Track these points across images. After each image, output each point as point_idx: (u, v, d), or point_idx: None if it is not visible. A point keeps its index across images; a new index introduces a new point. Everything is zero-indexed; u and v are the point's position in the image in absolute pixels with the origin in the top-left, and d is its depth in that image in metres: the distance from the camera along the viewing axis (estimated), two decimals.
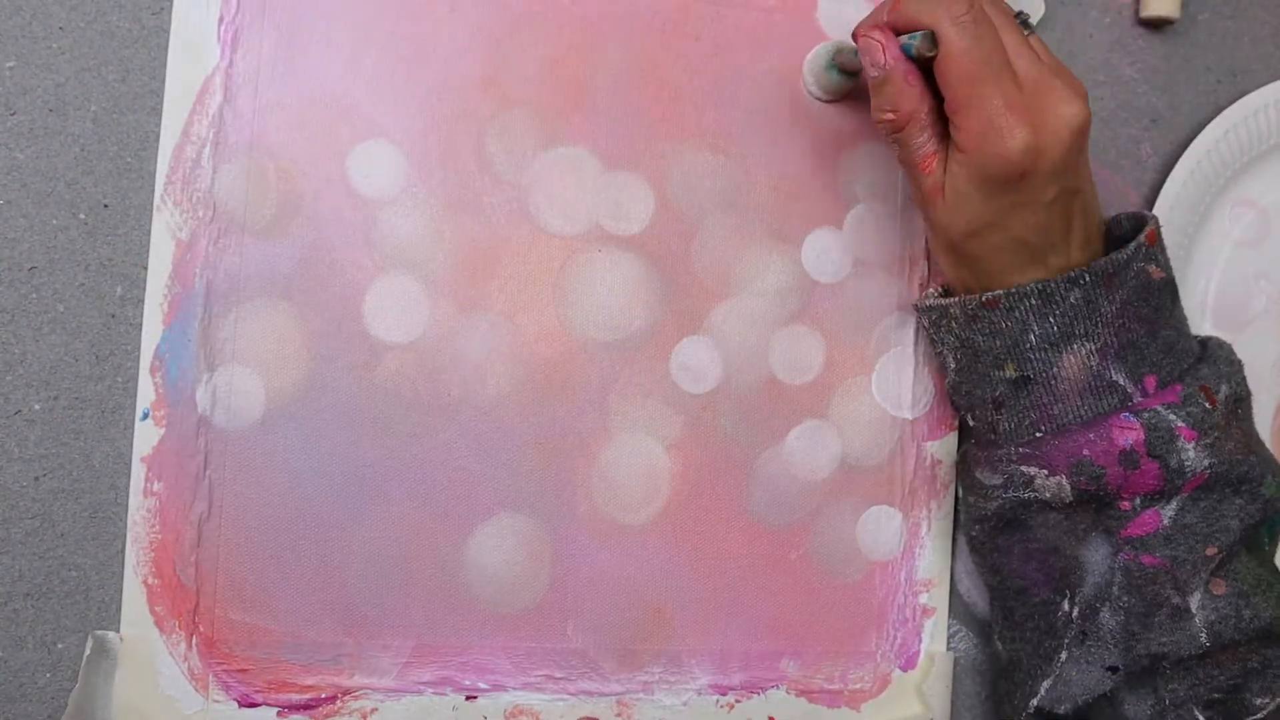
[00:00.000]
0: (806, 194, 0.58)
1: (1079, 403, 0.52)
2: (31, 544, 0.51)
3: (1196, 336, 0.55)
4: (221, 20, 0.53)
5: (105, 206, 0.52)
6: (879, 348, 0.59)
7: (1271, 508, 0.52)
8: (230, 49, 0.53)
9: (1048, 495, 0.52)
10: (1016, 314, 0.51)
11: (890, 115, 0.52)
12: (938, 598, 0.59)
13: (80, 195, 0.52)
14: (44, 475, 0.51)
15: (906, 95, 0.51)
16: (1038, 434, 0.52)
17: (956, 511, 0.60)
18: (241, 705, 0.52)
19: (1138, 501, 0.51)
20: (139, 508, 0.52)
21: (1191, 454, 0.50)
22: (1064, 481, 0.51)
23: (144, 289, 0.52)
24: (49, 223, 0.51)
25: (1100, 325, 0.51)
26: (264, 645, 0.53)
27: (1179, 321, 0.53)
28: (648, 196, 0.57)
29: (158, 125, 0.52)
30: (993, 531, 0.55)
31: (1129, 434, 0.50)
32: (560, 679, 0.56)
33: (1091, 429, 0.51)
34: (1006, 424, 0.53)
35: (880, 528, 0.59)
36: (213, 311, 0.52)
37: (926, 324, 0.56)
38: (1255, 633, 0.51)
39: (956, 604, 0.60)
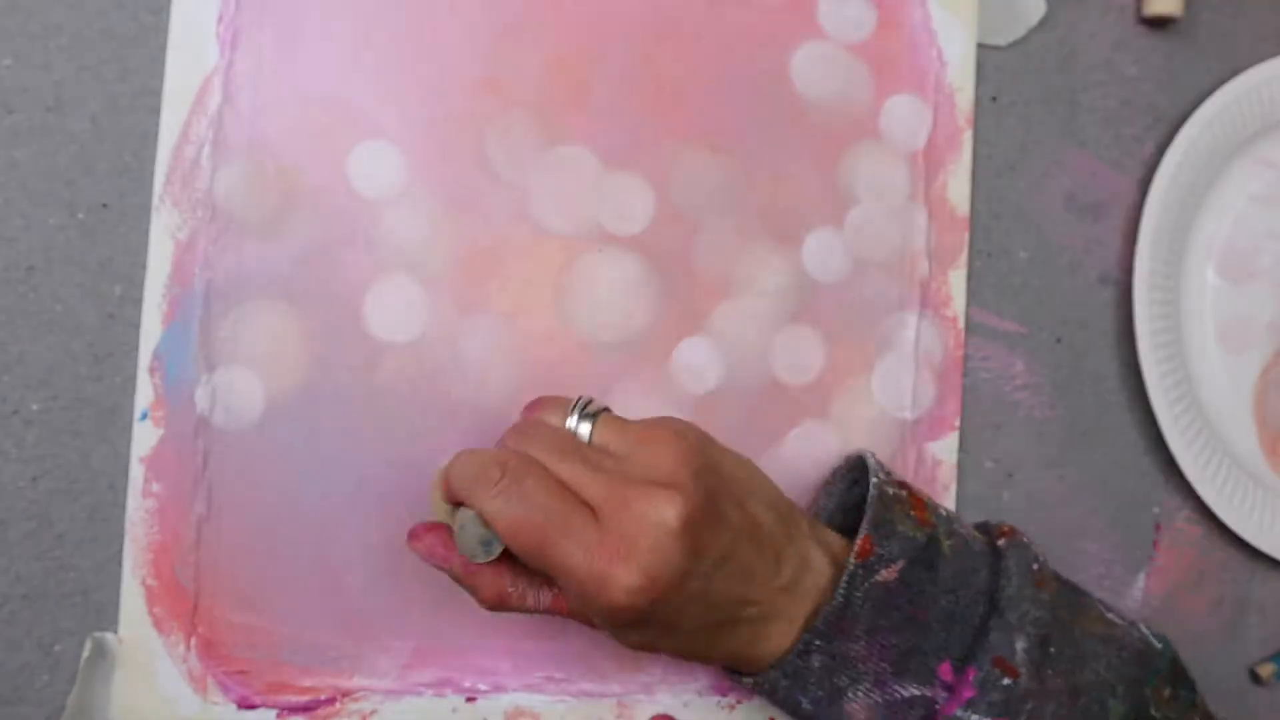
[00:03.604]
0: (807, 194, 0.58)
1: None
2: (29, 545, 0.51)
3: (998, 547, 0.51)
4: (221, 20, 0.53)
5: (104, 206, 0.52)
6: (880, 348, 0.59)
7: (1140, 674, 0.49)
8: (229, 49, 0.53)
9: None
10: (779, 695, 0.48)
11: (484, 602, 0.47)
12: None
13: (79, 195, 0.52)
14: (42, 476, 0.51)
15: (480, 587, 0.47)
16: None
17: (957, 512, 0.60)
18: (240, 707, 0.52)
19: None
20: (138, 509, 0.51)
21: None
22: None
23: (143, 289, 0.52)
24: (47, 222, 0.51)
25: (860, 666, 0.47)
26: (263, 646, 0.53)
27: (952, 578, 0.48)
28: (648, 196, 0.57)
29: (157, 125, 0.52)
30: None
31: None
32: (561, 680, 0.55)
33: None
34: None
35: None
36: (212, 312, 0.52)
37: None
38: None
39: None
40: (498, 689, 0.55)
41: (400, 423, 0.54)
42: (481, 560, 0.46)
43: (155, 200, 0.52)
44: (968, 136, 0.60)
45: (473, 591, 0.47)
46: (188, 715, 0.52)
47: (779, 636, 0.47)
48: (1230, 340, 0.65)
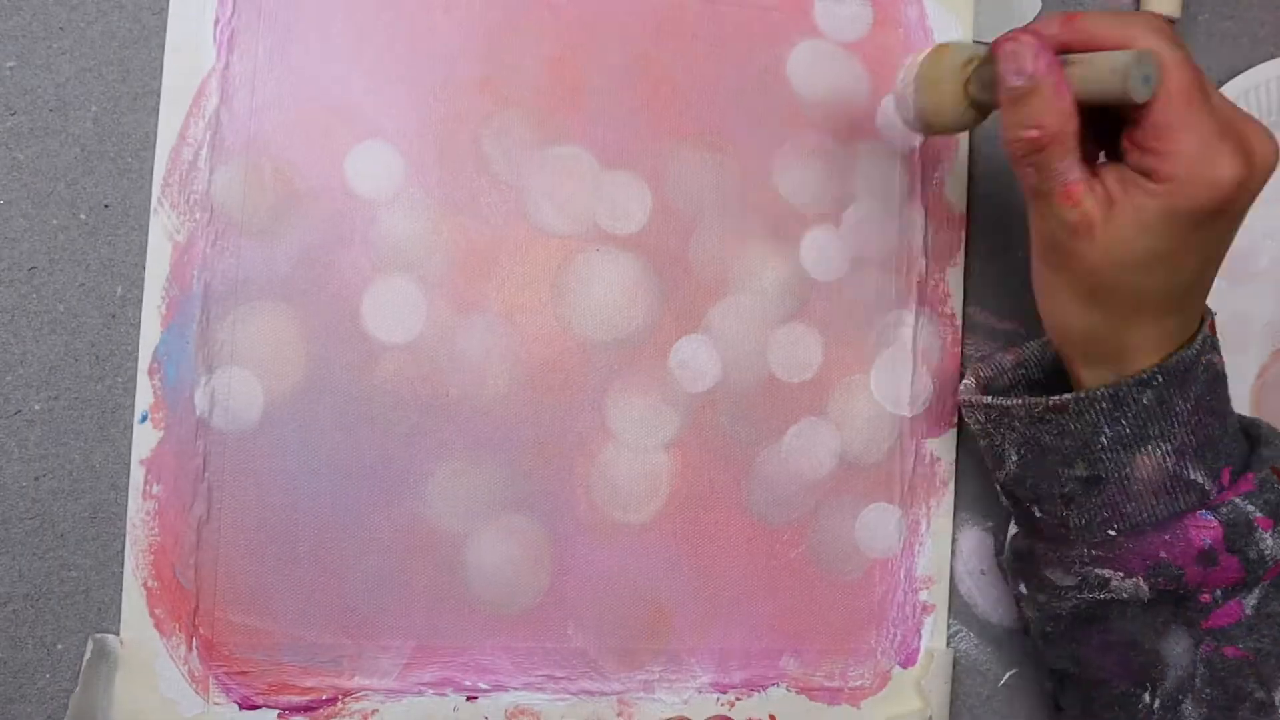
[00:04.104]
0: (804, 192, 0.58)
1: (1154, 502, 0.49)
2: (31, 544, 0.51)
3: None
4: (217, 22, 0.53)
5: (106, 206, 0.52)
6: (877, 345, 0.59)
7: None
8: (226, 50, 0.53)
9: (1125, 596, 0.50)
10: (1087, 417, 0.49)
11: (1034, 133, 0.45)
12: (937, 595, 0.59)
13: (80, 195, 0.52)
14: (44, 476, 0.51)
15: (1055, 110, 0.45)
16: (1110, 532, 0.50)
17: (956, 510, 0.60)
18: (242, 707, 0.52)
19: (1218, 594, 0.49)
20: (138, 510, 0.52)
21: (1270, 542, 0.49)
22: (1141, 583, 0.49)
23: (144, 290, 0.52)
24: (49, 223, 0.52)
25: (1176, 425, 0.48)
26: (264, 647, 0.53)
27: (1232, 407, 0.52)
28: (645, 195, 0.57)
29: (158, 125, 0.52)
30: (1069, 627, 0.53)
31: (1206, 533, 0.48)
32: (561, 679, 0.55)
33: (1167, 530, 0.49)
34: (1076, 520, 0.51)
35: (879, 525, 0.59)
36: (210, 313, 0.52)
37: (979, 419, 0.53)
38: None
39: (957, 604, 0.60)
40: (498, 688, 0.55)
41: (399, 422, 0.54)
42: (1143, 98, 0.44)
43: (153, 203, 0.52)
44: (964, 134, 0.61)
45: (1040, 115, 0.45)
46: (189, 716, 0.52)
47: (1157, 355, 0.48)
48: (1228, 340, 0.64)
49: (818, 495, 0.58)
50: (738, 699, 0.57)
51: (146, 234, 0.52)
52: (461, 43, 0.55)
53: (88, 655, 0.51)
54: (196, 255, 0.52)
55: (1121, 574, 0.50)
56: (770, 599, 0.57)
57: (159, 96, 0.52)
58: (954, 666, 0.60)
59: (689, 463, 0.57)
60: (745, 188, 0.58)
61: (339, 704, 0.53)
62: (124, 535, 0.52)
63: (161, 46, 0.53)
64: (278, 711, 0.53)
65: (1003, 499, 0.56)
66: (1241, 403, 0.64)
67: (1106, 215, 0.45)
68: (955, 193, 0.60)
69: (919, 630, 0.59)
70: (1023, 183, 0.48)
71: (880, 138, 0.59)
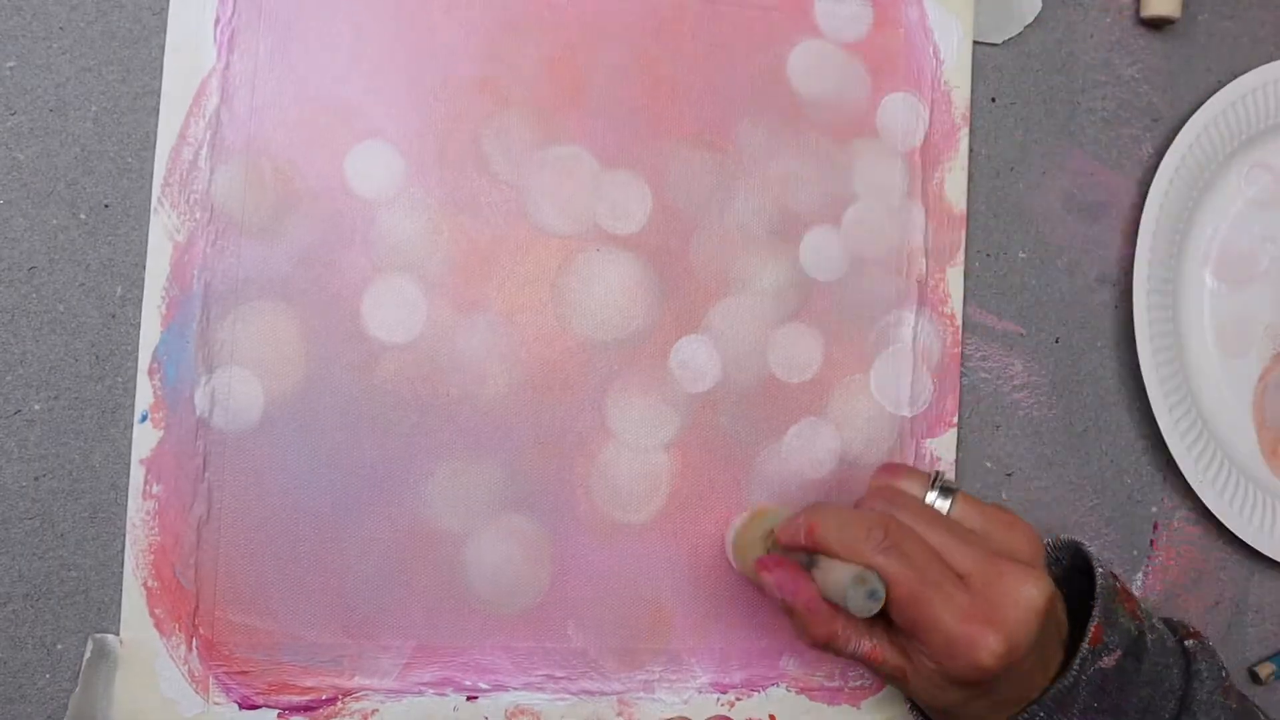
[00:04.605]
0: (804, 192, 0.59)
1: None
2: (31, 544, 0.51)
3: (1186, 648, 0.53)
4: (218, 21, 0.53)
5: (106, 206, 0.52)
6: (877, 345, 0.59)
7: None
8: (226, 50, 0.53)
9: None
10: None
11: (808, 639, 0.50)
12: None
13: (80, 195, 0.52)
14: (44, 475, 0.51)
15: (815, 624, 0.49)
16: None
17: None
18: (242, 707, 0.52)
19: None
20: (138, 510, 0.52)
21: None
22: None
23: (144, 289, 0.52)
24: (49, 223, 0.52)
25: None
26: (264, 647, 0.53)
27: (1150, 669, 0.51)
28: (645, 195, 0.57)
29: (158, 125, 0.52)
30: None
31: None
32: (561, 678, 0.55)
33: None
34: None
35: None
36: (210, 313, 0.52)
37: None
38: None
39: None
40: (498, 688, 0.55)
41: (399, 422, 0.54)
42: (870, 613, 0.47)
43: (153, 203, 0.52)
44: (964, 134, 0.61)
45: (805, 628, 0.50)
46: (189, 716, 0.52)
47: (1007, 706, 0.50)
48: (1229, 343, 0.65)
49: (818, 495, 0.58)
50: (738, 699, 0.57)
51: (146, 234, 0.52)
52: (461, 43, 0.55)
53: (88, 655, 0.51)
54: (196, 255, 0.52)
55: None
56: (770, 599, 0.57)
57: (159, 96, 0.52)
58: None
59: (689, 463, 0.57)
60: (745, 188, 0.58)
61: (339, 704, 0.53)
62: (124, 535, 0.52)
63: (161, 46, 0.53)
64: (278, 711, 0.53)
65: None
66: (1244, 407, 0.65)
67: (910, 665, 0.49)
68: (955, 193, 0.60)
69: None
70: None
71: (880, 137, 0.59)
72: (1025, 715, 0.49)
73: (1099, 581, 0.51)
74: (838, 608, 0.49)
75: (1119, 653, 0.50)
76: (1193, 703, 0.51)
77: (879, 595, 0.47)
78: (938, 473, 0.53)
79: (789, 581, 0.50)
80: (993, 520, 0.51)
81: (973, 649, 0.46)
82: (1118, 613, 0.51)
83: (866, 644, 0.50)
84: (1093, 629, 0.49)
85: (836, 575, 0.48)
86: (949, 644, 0.46)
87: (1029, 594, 0.47)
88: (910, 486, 0.52)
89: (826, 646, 0.50)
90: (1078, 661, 0.49)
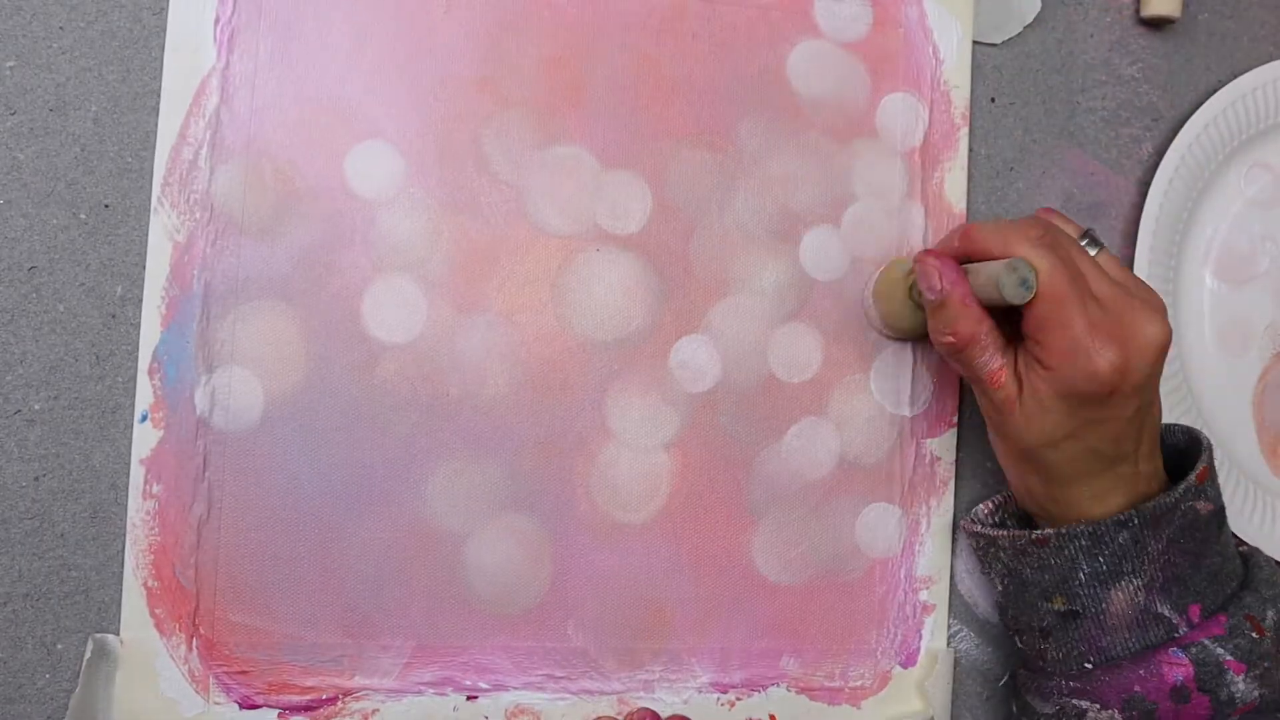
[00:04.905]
0: (804, 192, 0.59)
1: (1126, 635, 0.52)
2: (31, 544, 0.51)
3: (1241, 551, 0.56)
4: (218, 21, 0.53)
5: (106, 206, 0.52)
6: (877, 345, 0.59)
7: None
8: (226, 50, 0.53)
9: None
10: (1066, 552, 0.52)
11: (949, 338, 0.52)
12: (938, 595, 0.59)
13: (80, 195, 0.52)
14: (44, 475, 0.51)
15: (964, 317, 0.51)
16: (1087, 665, 0.52)
17: (956, 509, 0.60)
18: (242, 707, 0.52)
19: None
20: (138, 510, 0.52)
21: (1241, 686, 0.51)
22: (1117, 715, 0.51)
23: (144, 289, 0.52)
24: (49, 222, 0.52)
25: (1146, 563, 0.51)
26: (264, 647, 0.53)
27: (1224, 546, 0.53)
28: (645, 195, 0.57)
29: (158, 125, 0.52)
30: None
31: (1179, 670, 0.51)
32: (561, 678, 0.55)
33: (1141, 664, 0.51)
34: (1054, 653, 0.54)
35: (880, 525, 0.59)
36: (211, 313, 0.52)
37: (973, 547, 0.57)
38: None
39: (957, 604, 0.60)
40: (498, 687, 0.55)
41: (399, 422, 0.54)
42: (1021, 300, 0.49)
43: (153, 202, 0.52)
44: (964, 134, 0.61)
45: (954, 321, 0.52)
46: (190, 716, 0.52)
47: (1102, 505, 0.52)
48: (1229, 343, 0.64)
49: (818, 495, 0.58)
50: (738, 699, 0.57)
51: (146, 234, 0.52)
52: (462, 42, 0.55)
53: (88, 655, 0.51)
54: (196, 255, 0.52)
55: (1098, 705, 0.52)
56: (770, 599, 0.57)
57: (159, 96, 0.52)
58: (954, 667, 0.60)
59: (689, 463, 0.57)
60: (745, 187, 0.58)
61: (339, 703, 0.53)
62: (124, 535, 0.52)
63: (161, 46, 0.53)
64: (278, 711, 0.53)
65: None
66: (1244, 407, 0.64)
67: (1020, 394, 0.51)
68: (954, 192, 0.60)
69: (919, 630, 0.59)
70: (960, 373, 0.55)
71: (880, 137, 0.59)
72: (1123, 517, 0.51)
73: (1205, 441, 0.54)
74: (986, 311, 0.51)
75: (1212, 506, 0.52)
76: (1256, 578, 0.54)
77: (1030, 284, 0.49)
78: (1088, 229, 0.54)
79: (950, 270, 0.52)
80: (1130, 277, 0.53)
81: (1093, 356, 0.48)
82: (1216, 477, 0.54)
83: (998, 359, 0.52)
84: (1201, 468, 0.52)
85: (990, 270, 0.50)
86: (1073, 346, 0.49)
87: (1154, 329, 0.50)
88: (1065, 226, 0.54)
89: (963, 352, 0.52)
90: (1182, 487, 0.51)
